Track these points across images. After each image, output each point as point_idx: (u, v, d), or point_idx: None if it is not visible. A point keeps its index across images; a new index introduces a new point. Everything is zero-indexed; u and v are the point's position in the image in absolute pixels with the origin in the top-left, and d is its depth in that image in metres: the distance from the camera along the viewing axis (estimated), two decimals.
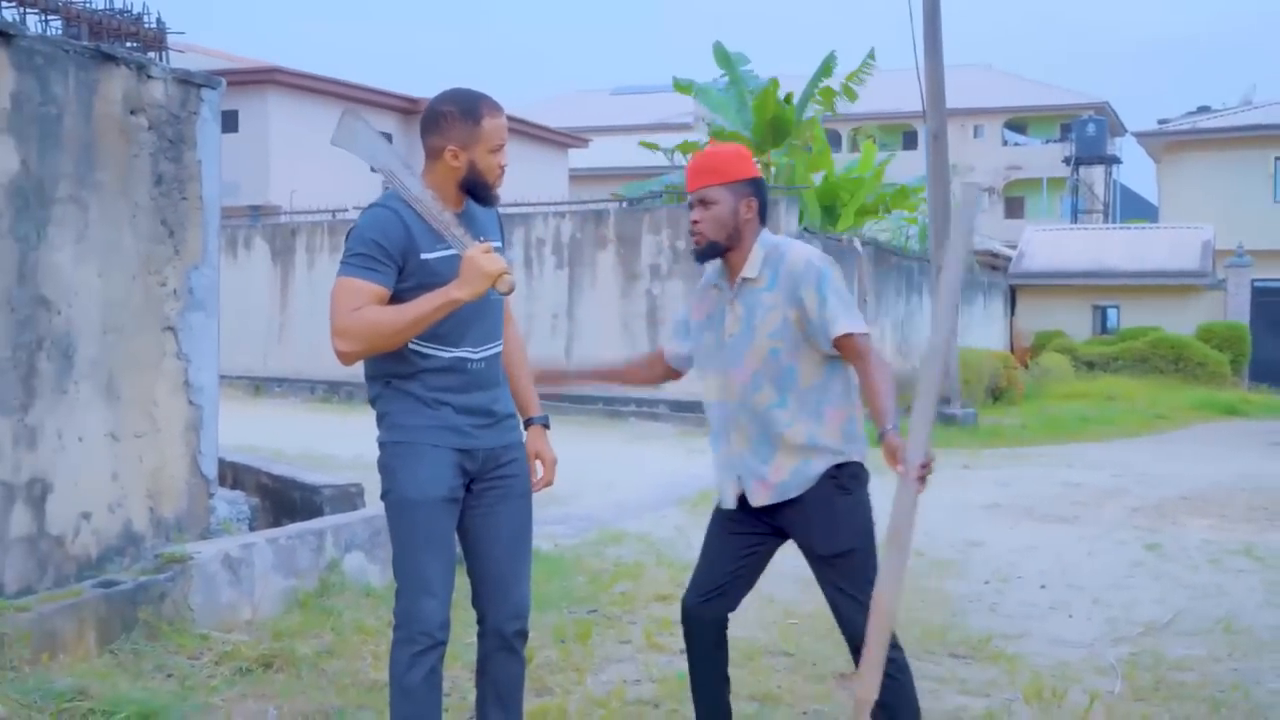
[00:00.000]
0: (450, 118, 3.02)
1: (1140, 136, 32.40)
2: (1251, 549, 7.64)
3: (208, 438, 5.76)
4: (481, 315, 3.08)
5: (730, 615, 3.44)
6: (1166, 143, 30.86)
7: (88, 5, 5.57)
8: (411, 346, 3.00)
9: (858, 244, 16.97)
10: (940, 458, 11.10)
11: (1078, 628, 5.69)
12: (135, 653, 4.48)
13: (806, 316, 3.20)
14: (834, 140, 19.52)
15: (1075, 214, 41.32)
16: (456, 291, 2.86)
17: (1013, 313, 27.28)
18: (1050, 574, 6.89)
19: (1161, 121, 34.19)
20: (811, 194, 18.66)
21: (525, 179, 24.45)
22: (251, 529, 6.27)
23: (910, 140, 44.92)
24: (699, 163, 3.34)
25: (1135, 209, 46.17)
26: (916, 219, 21.96)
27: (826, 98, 19.49)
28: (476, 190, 3.08)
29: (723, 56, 19.39)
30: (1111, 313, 26.96)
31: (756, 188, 3.32)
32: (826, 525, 3.25)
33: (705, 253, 3.32)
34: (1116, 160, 43.92)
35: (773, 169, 18.82)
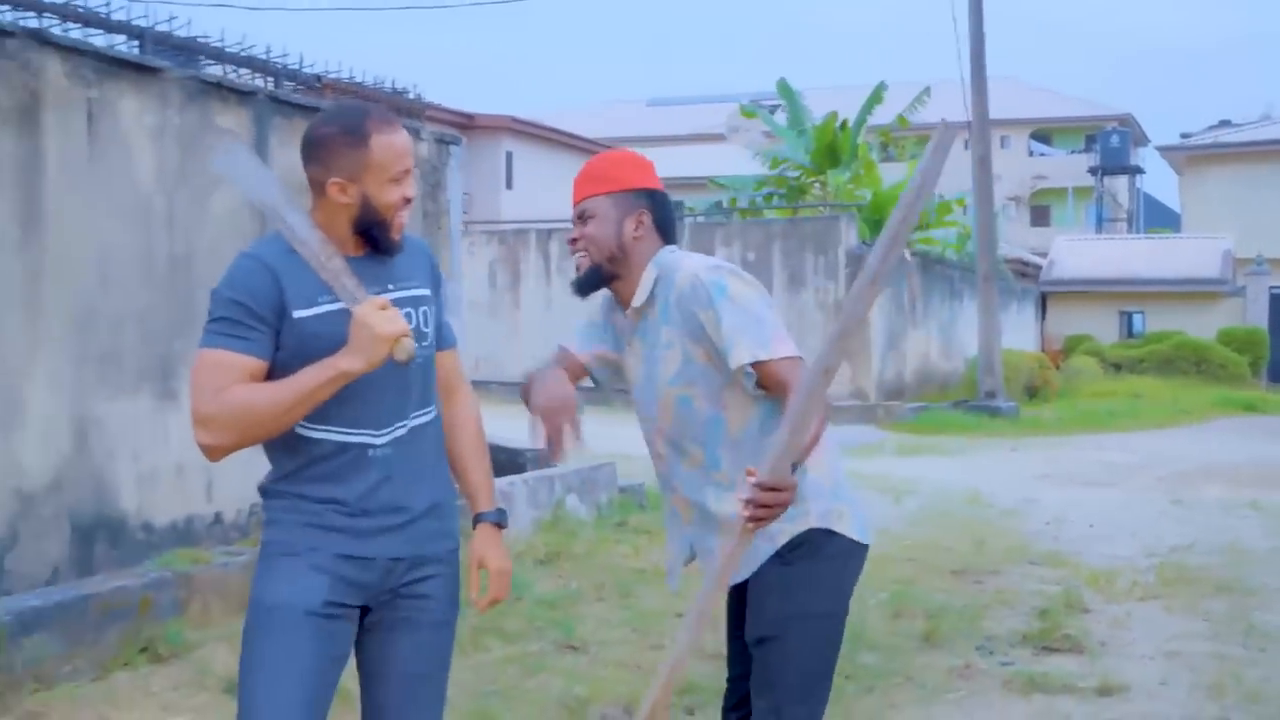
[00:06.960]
0: (331, 142, 2.33)
1: (1163, 150, 34.10)
2: (1256, 503, 9.47)
3: None
4: (383, 386, 2.38)
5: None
6: (1188, 156, 32.50)
7: (378, 86, 7.47)
8: (297, 429, 2.35)
9: (906, 254, 18.87)
10: (987, 443, 13.31)
11: (1121, 548, 7.58)
12: None
13: (714, 346, 2.49)
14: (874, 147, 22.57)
15: (1100, 223, 42.97)
16: (345, 361, 2.24)
17: (1043, 318, 29.11)
18: (1096, 518, 8.75)
19: (1184, 135, 35.81)
20: (860, 211, 20.64)
21: (560, 190, 26.16)
22: None
23: None
24: (583, 170, 2.67)
25: (1158, 217, 47.72)
26: (964, 229, 23.72)
27: (885, 135, 23.24)
28: (373, 233, 2.36)
29: (785, 90, 21.64)
30: (1137, 318, 28.75)
31: (652, 201, 2.61)
32: (755, 607, 2.55)
33: (584, 282, 2.62)
34: (1140, 170, 45.56)
35: (830, 188, 20.91)
